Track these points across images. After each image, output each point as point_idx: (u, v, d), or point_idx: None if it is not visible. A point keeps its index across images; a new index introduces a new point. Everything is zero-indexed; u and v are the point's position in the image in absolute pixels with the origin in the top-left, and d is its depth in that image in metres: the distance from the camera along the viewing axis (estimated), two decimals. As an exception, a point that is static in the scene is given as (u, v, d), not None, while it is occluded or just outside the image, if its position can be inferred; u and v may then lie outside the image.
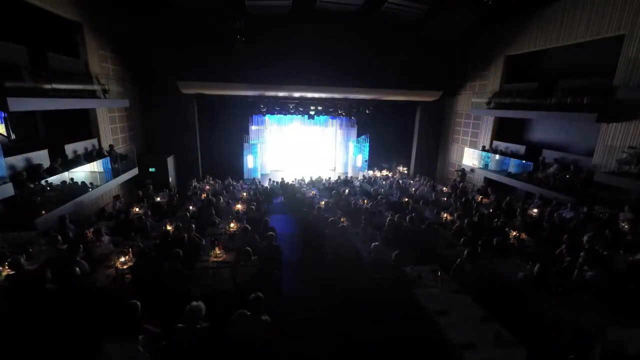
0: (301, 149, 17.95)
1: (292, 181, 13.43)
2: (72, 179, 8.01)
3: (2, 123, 6.98)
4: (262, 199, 10.18)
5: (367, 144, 16.24)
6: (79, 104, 8.22)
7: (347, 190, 11.10)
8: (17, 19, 7.15)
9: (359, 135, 16.40)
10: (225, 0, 9.91)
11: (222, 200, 9.39)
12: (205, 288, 4.75)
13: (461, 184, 11.97)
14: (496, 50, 11.73)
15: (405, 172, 15.75)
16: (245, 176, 15.33)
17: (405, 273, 4.87)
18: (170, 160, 12.67)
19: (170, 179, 12.50)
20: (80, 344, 3.38)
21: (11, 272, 4.56)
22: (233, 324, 3.55)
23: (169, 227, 6.62)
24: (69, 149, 8.24)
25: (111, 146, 9.79)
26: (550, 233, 6.37)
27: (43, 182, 6.90)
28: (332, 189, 11.82)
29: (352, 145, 16.79)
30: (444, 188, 11.75)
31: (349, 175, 15.03)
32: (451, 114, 14.59)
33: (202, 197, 9.70)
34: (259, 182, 13.59)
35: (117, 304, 3.63)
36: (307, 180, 13.70)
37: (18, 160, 6.60)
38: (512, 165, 10.76)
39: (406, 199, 9.83)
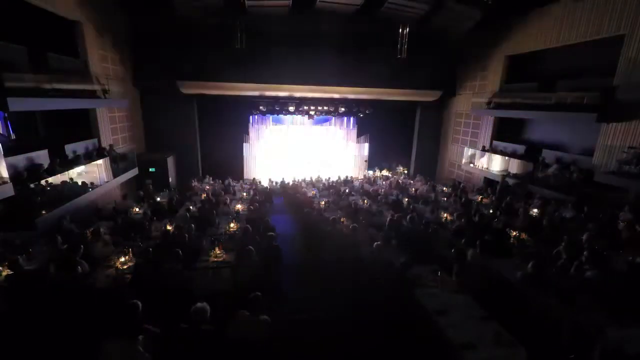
0: (301, 149, 17.93)
1: (292, 181, 13.44)
2: (71, 179, 8.01)
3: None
4: (262, 199, 10.19)
5: (367, 144, 16.25)
6: (79, 104, 8.22)
7: (347, 190, 11.10)
8: (17, 19, 7.14)
9: (359, 136, 16.40)
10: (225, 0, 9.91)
11: (222, 200, 9.40)
12: (205, 288, 4.76)
13: (460, 184, 11.97)
14: (496, 50, 11.73)
15: (405, 172, 15.74)
16: (245, 176, 15.33)
17: (405, 273, 4.88)
18: (170, 160, 12.67)
19: (170, 179, 12.50)
20: (80, 344, 3.38)
21: (11, 273, 4.56)
22: (232, 324, 3.55)
23: (169, 227, 6.63)
24: (69, 149, 8.24)
25: (111, 146, 9.79)
26: (550, 233, 6.38)
27: (43, 182, 6.90)
28: (332, 189, 11.83)
29: (352, 145, 16.79)
30: (444, 188, 11.75)
31: (349, 175, 15.01)
32: (451, 114, 14.58)
33: (202, 197, 9.71)
34: (259, 182, 13.58)
35: (117, 304, 3.63)
36: (307, 180, 13.71)
37: (18, 160, 6.60)
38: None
39: (406, 199, 9.84)
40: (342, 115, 15.29)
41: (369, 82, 12.72)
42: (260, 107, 13.88)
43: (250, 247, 5.29)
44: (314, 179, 13.68)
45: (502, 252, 5.70)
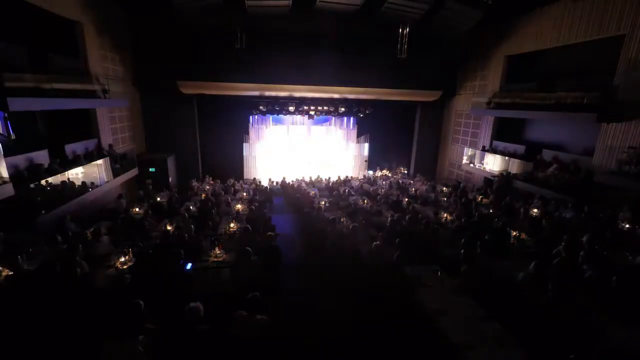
0: (301, 149, 17.93)
1: (292, 181, 13.44)
2: (69, 179, 8.00)
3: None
4: (262, 199, 10.19)
5: (367, 144, 16.25)
6: (79, 104, 8.22)
7: (347, 190, 11.10)
8: (18, 19, 7.14)
9: (359, 136, 16.40)
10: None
11: (222, 200, 9.40)
12: (205, 288, 4.76)
13: (460, 184, 11.97)
14: (496, 50, 11.73)
15: (405, 172, 15.74)
16: (245, 176, 15.33)
17: (405, 273, 4.88)
18: (170, 160, 12.67)
19: (170, 179, 12.50)
20: (80, 344, 3.38)
21: (10, 273, 4.57)
22: (230, 324, 3.56)
23: (169, 227, 6.63)
24: (69, 149, 8.24)
25: (110, 146, 9.79)
26: (550, 233, 6.38)
27: (43, 182, 6.90)
28: (332, 189, 11.83)
29: (352, 145, 16.78)
30: (444, 188, 11.75)
31: (349, 175, 15.02)
32: (451, 114, 14.58)
33: (202, 197, 9.71)
34: (259, 182, 13.58)
35: (117, 303, 3.64)
36: (307, 180, 13.71)
37: (18, 160, 6.60)
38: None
39: (406, 199, 9.84)
40: (342, 115, 15.28)
41: (369, 82, 12.72)
42: (260, 107, 13.87)
43: (250, 247, 5.29)
44: (314, 179, 13.68)
45: (502, 252, 5.71)
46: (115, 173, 9.37)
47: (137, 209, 8.30)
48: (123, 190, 10.54)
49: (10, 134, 7.23)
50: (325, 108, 14.33)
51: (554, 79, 9.79)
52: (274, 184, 13.41)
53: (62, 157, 7.74)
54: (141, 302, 3.49)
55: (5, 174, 5.61)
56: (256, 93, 13.25)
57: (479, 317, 3.87)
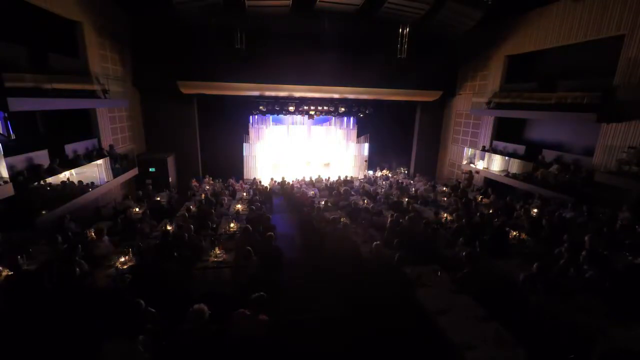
0: (301, 149, 17.93)
1: (292, 181, 13.44)
2: (68, 179, 8.00)
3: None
4: (262, 199, 10.19)
5: (367, 144, 16.24)
6: (79, 104, 8.22)
7: (347, 190, 11.09)
8: (18, 19, 7.14)
9: (359, 136, 16.40)
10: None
11: (222, 200, 9.40)
12: (205, 288, 4.76)
13: (460, 185, 11.97)
14: (496, 50, 11.73)
15: (405, 172, 15.74)
16: (245, 176, 15.32)
17: (405, 273, 4.88)
18: (170, 160, 12.67)
19: (170, 179, 12.49)
20: (80, 343, 3.38)
21: (10, 273, 4.57)
22: (232, 324, 3.56)
23: (169, 227, 6.63)
24: (69, 149, 8.24)
25: (111, 146, 9.79)
26: (550, 233, 6.38)
27: (43, 182, 6.89)
28: (332, 189, 11.83)
29: (352, 145, 16.79)
30: (444, 188, 11.75)
31: (349, 175, 15.02)
32: (451, 114, 14.58)
33: (202, 197, 9.71)
34: (259, 182, 13.58)
35: (118, 303, 3.64)
36: (307, 180, 13.71)
37: (18, 160, 6.60)
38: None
39: (406, 199, 9.84)
40: (342, 115, 15.29)
41: (369, 82, 12.71)
42: (260, 107, 13.87)
43: (250, 247, 5.29)
44: (314, 179, 13.67)
45: (502, 252, 5.71)
46: (115, 173, 9.36)
47: (137, 209, 8.30)
48: (122, 190, 10.54)
49: (10, 134, 7.24)
50: (325, 108, 14.33)
51: (554, 79, 9.79)
52: (274, 184, 13.41)
53: (62, 157, 7.73)
54: (142, 302, 3.49)
55: (5, 174, 5.61)
56: (256, 93, 13.25)
57: (479, 317, 3.87)
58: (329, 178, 13.98)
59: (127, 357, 3.07)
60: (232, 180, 13.12)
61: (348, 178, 13.73)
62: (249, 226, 6.45)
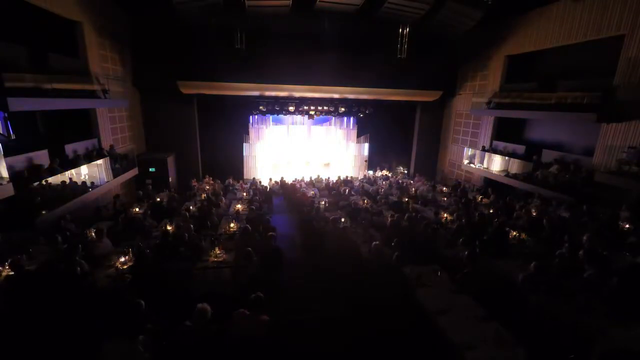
0: (301, 149, 17.92)
1: (292, 181, 13.43)
2: (70, 179, 8.01)
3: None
4: (262, 199, 10.19)
5: (367, 144, 16.24)
6: (79, 104, 8.22)
7: (347, 190, 11.10)
8: (17, 19, 7.14)
9: (359, 136, 16.39)
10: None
11: (222, 200, 9.40)
12: (205, 288, 4.76)
13: (461, 184, 11.97)
14: (496, 50, 11.73)
15: (405, 172, 15.74)
16: (245, 176, 15.32)
17: (405, 273, 4.88)
18: (170, 160, 12.67)
19: (170, 179, 12.50)
20: (80, 343, 3.38)
21: (11, 273, 4.57)
22: (232, 323, 3.56)
23: (169, 227, 6.63)
24: (69, 149, 8.24)
25: (111, 146, 9.79)
26: (550, 233, 6.38)
27: (43, 182, 6.89)
28: (332, 189, 11.83)
29: (352, 145, 16.79)
30: (444, 188, 11.75)
31: (349, 175, 15.02)
32: (451, 114, 14.58)
33: (202, 197, 9.71)
34: (259, 182, 13.58)
35: (118, 303, 3.64)
36: (307, 180, 13.71)
37: (18, 160, 6.59)
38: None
39: (406, 199, 9.84)
40: (342, 115, 15.29)
41: (369, 82, 12.71)
42: (260, 107, 13.87)
43: (250, 247, 5.29)
44: (314, 179, 13.67)
45: (502, 252, 5.71)
46: (115, 173, 9.36)
47: (137, 209, 8.30)
48: (122, 190, 10.54)
49: (10, 134, 7.23)
50: (325, 108, 14.33)
51: (554, 79, 9.79)
52: (274, 184, 13.41)
53: (62, 157, 7.73)
54: (142, 302, 3.49)
55: (5, 174, 5.61)
56: (256, 93, 13.24)
57: (479, 317, 3.87)
58: (329, 178, 13.97)
59: (127, 357, 3.07)
60: (230, 180, 13.12)
61: (348, 178, 13.72)
62: (249, 226, 6.45)
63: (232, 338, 3.50)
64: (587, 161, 8.75)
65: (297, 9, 10.49)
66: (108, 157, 9.05)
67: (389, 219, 7.46)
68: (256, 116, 15.20)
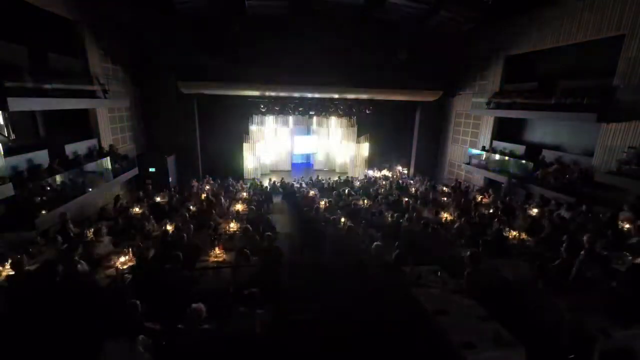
0: (301, 149, 17.95)
1: (292, 181, 13.44)
2: (70, 179, 8.00)
3: None
4: (262, 199, 10.19)
5: (367, 144, 16.25)
6: (79, 104, 8.22)
7: (347, 190, 11.10)
8: (17, 19, 7.14)
9: (359, 136, 16.40)
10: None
11: (222, 200, 9.39)
12: (205, 288, 4.75)
13: (461, 185, 11.97)
14: (496, 50, 11.73)
15: (405, 172, 15.74)
16: (245, 176, 15.33)
17: (405, 273, 4.88)
18: (170, 160, 12.67)
19: (170, 179, 12.50)
20: (80, 343, 3.38)
21: (11, 273, 4.57)
22: (232, 323, 3.56)
23: (169, 227, 6.63)
24: (69, 149, 8.24)
25: (111, 146, 9.79)
26: (550, 233, 6.37)
27: (43, 182, 6.89)
28: (332, 189, 11.83)
29: (352, 145, 16.80)
30: (444, 188, 11.74)
31: (349, 175, 15.02)
32: (451, 114, 14.59)
33: (202, 197, 9.70)
34: (259, 182, 13.58)
35: (117, 304, 3.63)
36: (307, 180, 13.71)
37: (18, 160, 6.60)
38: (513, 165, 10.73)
39: (406, 199, 9.84)
40: (342, 115, 15.29)
41: (369, 82, 12.72)
42: (261, 107, 13.87)
43: (250, 247, 5.29)
44: (314, 179, 13.68)
45: (502, 252, 5.70)
46: (115, 173, 9.36)
47: (137, 209, 8.29)
48: (122, 190, 10.53)
49: (10, 134, 7.23)
50: (325, 108, 14.34)
51: (554, 79, 9.79)
52: (274, 183, 13.41)
53: (62, 157, 7.73)
54: (137, 302, 3.48)
55: (6, 174, 5.61)
56: (256, 93, 13.25)
57: (479, 317, 3.86)
58: (329, 178, 13.98)
59: (127, 357, 3.07)
60: (231, 180, 13.12)
61: (348, 178, 13.72)
62: (249, 226, 6.45)
63: (232, 338, 3.49)
64: (587, 161, 8.75)
65: (296, 9, 10.52)
66: (108, 157, 9.05)
67: (389, 219, 7.46)
68: (256, 116, 15.21)
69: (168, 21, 11.00)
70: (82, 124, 9.38)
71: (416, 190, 11.31)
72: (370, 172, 15.73)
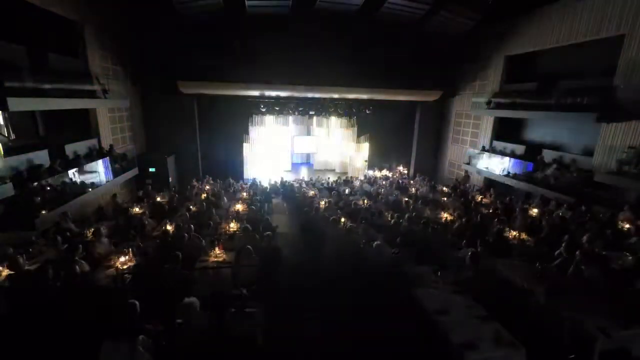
0: (301, 149, 17.94)
1: (292, 181, 13.43)
2: (71, 179, 8.01)
3: None
4: (262, 199, 10.19)
5: (367, 144, 16.25)
6: (79, 104, 8.21)
7: (347, 190, 11.10)
8: (17, 19, 7.14)
9: (359, 136, 16.39)
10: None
11: (222, 200, 9.39)
12: (205, 288, 4.75)
13: (462, 186, 11.97)
14: (496, 50, 11.73)
15: (405, 172, 15.74)
16: (245, 176, 15.32)
17: (405, 273, 4.88)
18: (170, 160, 12.67)
19: (170, 179, 12.50)
20: (80, 343, 3.38)
21: (11, 272, 4.57)
22: (231, 323, 3.56)
23: (169, 227, 6.63)
24: (69, 149, 8.24)
25: (111, 146, 9.79)
26: (550, 233, 6.38)
27: (43, 182, 6.89)
28: (332, 189, 11.83)
29: (352, 145, 16.80)
30: (444, 188, 11.74)
31: (349, 175, 15.02)
32: (451, 114, 14.58)
33: (202, 197, 9.70)
34: (259, 182, 13.58)
35: (117, 304, 3.63)
36: (307, 180, 13.71)
37: (18, 160, 6.59)
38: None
39: (406, 199, 9.83)
40: (342, 115, 15.29)
41: (369, 82, 12.71)
42: (261, 107, 13.87)
43: (249, 247, 5.29)
44: (314, 179, 13.67)
45: (502, 252, 5.70)
46: (115, 173, 9.36)
47: (137, 209, 8.29)
48: (122, 190, 10.53)
49: (10, 134, 7.24)
50: (325, 108, 14.34)
51: (554, 79, 9.79)
52: (274, 183, 13.41)
53: (62, 157, 7.73)
54: (136, 302, 3.48)
55: (6, 174, 5.61)
56: (256, 93, 13.24)
57: (479, 317, 3.87)
58: (329, 178, 13.98)
59: (127, 357, 3.07)
60: (231, 180, 13.11)
61: (348, 178, 13.72)
62: (248, 226, 6.45)
63: (232, 338, 3.50)
64: (587, 161, 8.75)
65: (297, 9, 10.51)
66: (108, 157, 9.05)
67: (389, 219, 7.46)
68: (256, 116, 15.20)
69: (168, 21, 10.99)
70: (82, 124, 9.37)
71: (416, 190, 11.31)
72: (370, 172, 15.73)
